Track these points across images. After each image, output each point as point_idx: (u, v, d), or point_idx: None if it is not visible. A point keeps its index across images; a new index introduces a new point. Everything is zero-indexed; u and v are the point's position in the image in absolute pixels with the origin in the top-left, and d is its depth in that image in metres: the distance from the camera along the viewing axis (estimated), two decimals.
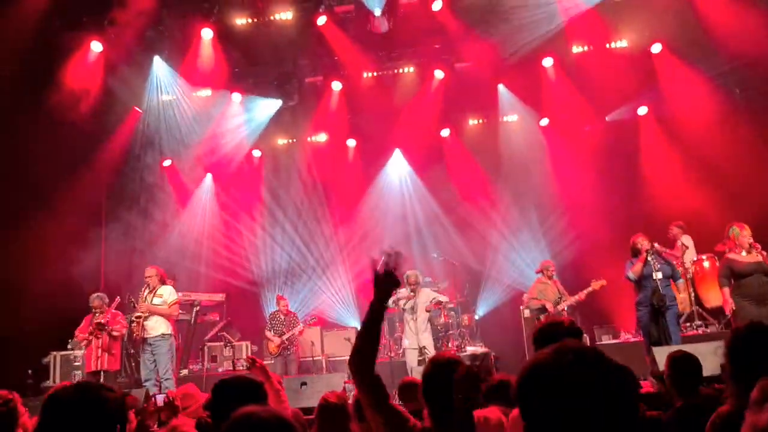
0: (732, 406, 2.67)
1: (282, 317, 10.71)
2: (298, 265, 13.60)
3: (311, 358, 11.13)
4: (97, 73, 11.25)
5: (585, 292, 9.75)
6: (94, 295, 9.26)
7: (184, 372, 10.96)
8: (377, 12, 11.11)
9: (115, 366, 9.17)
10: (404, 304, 9.87)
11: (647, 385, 7.43)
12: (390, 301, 9.54)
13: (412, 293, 9.82)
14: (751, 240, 7.92)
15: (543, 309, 9.86)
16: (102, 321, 8.84)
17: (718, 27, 10.39)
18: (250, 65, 12.45)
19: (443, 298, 10.21)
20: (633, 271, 8.60)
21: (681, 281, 9.15)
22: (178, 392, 5.35)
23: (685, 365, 4.42)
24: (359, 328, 2.88)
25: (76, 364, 10.42)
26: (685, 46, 11.40)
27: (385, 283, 2.73)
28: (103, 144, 11.91)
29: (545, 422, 1.38)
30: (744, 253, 7.91)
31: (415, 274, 9.96)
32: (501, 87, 12.89)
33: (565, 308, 9.82)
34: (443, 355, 3.14)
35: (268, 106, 12.89)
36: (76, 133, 10.86)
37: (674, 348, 7.60)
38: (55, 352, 10.56)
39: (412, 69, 12.74)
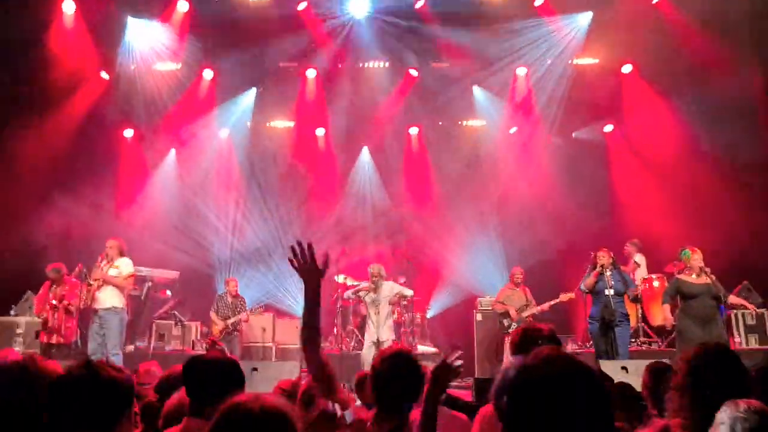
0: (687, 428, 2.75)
1: (229, 300, 10.62)
2: (257, 250, 13.47)
3: (261, 344, 11.06)
4: (68, 34, 10.94)
5: (551, 303, 9.94)
6: (51, 267, 9.07)
7: (130, 348, 10.76)
8: None
9: (69, 340, 9.01)
10: (365, 296, 9.83)
11: None
12: (350, 293, 9.55)
13: (373, 285, 9.77)
14: (702, 263, 8.18)
15: (506, 314, 10.02)
16: (59, 301, 8.75)
17: (691, 55, 10.67)
18: (226, 44, 12.24)
19: (408, 292, 10.17)
20: (585, 284, 8.83)
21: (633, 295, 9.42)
22: (141, 368, 5.26)
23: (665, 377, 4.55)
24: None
25: (19, 331, 10.11)
26: (656, 71, 11.67)
27: (308, 273, 2.88)
28: (69, 107, 11.59)
29: (531, 424, 1.42)
30: (694, 276, 8.16)
31: (378, 267, 9.92)
32: (475, 91, 12.99)
33: (531, 316, 9.98)
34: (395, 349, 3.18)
35: (241, 90, 12.72)
36: (42, 96, 10.57)
37: (620, 362, 7.86)
38: None
39: (387, 64, 12.76)
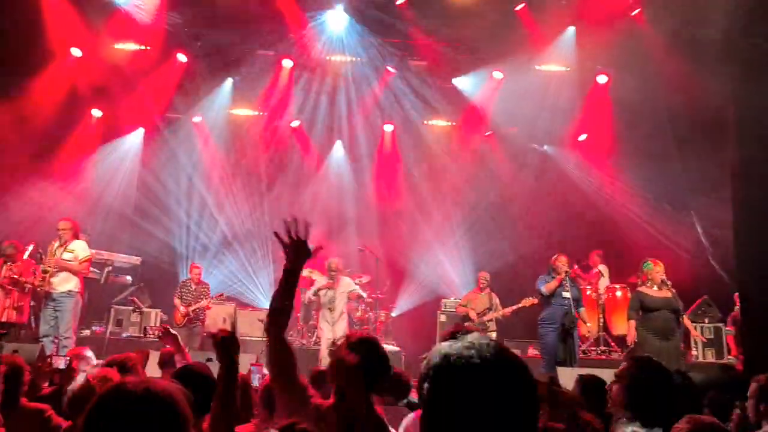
0: None
1: (193, 286, 10.50)
2: (222, 239, 13.30)
3: None
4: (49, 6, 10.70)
5: (513, 307, 9.95)
6: (7, 243, 8.82)
7: (86, 332, 10.54)
8: None
9: (23, 319, 8.79)
10: (324, 294, 9.70)
11: None
12: (311, 294, 9.39)
13: (331, 281, 9.67)
14: (663, 276, 8.25)
15: (467, 317, 10.02)
16: (16, 276, 8.48)
17: (665, 76, 10.74)
18: (201, 27, 12.01)
19: (363, 293, 10.14)
20: (547, 287, 8.85)
21: (582, 309, 9.43)
22: (68, 353, 5.13)
23: (598, 389, 4.60)
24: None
25: None
26: (630, 84, 11.74)
27: (296, 251, 2.72)
28: (33, 82, 11.30)
29: (450, 409, 1.35)
30: (655, 288, 8.23)
31: (337, 261, 9.85)
32: (454, 90, 12.94)
33: (492, 320, 9.98)
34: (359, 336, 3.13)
35: (215, 76, 12.54)
36: (7, 65, 10.31)
37: (579, 370, 7.90)
38: None
39: (364, 59, 12.67)
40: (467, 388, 1.34)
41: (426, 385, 1.40)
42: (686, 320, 8.65)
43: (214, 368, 7.25)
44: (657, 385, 3.11)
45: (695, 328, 10.21)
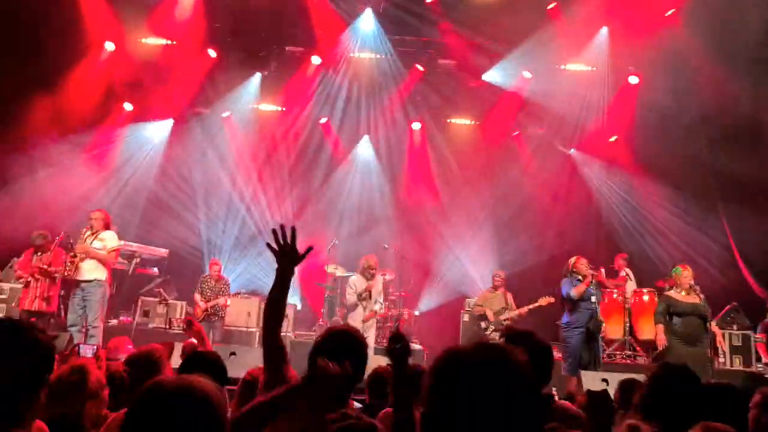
0: None
1: (212, 282, 10.56)
2: (249, 234, 13.40)
3: (245, 329, 10.99)
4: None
5: (529, 306, 9.86)
6: (37, 233, 8.98)
7: (114, 322, 10.71)
8: None
9: (52, 308, 8.94)
10: (359, 296, 9.53)
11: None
12: (354, 298, 9.26)
13: (371, 281, 9.54)
14: (692, 281, 8.12)
15: (484, 317, 9.96)
16: (46, 266, 8.64)
17: (699, 79, 10.55)
18: (233, 23, 12.12)
19: (378, 308, 9.81)
20: (577, 290, 8.69)
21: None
22: (110, 343, 5.19)
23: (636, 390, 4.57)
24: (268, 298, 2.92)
25: (2, 296, 10.07)
26: (661, 86, 11.57)
27: (285, 255, 2.82)
28: (69, 75, 11.52)
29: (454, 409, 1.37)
30: (683, 293, 8.10)
31: (374, 259, 9.71)
32: (482, 89, 12.86)
33: (508, 320, 9.90)
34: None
35: (245, 72, 12.64)
36: (45, 59, 10.54)
37: (603, 374, 7.83)
38: None
39: (393, 57, 12.67)
40: (467, 391, 1.36)
41: (428, 388, 1.44)
42: (714, 326, 8.48)
43: (236, 362, 7.32)
44: (682, 390, 3.03)
45: (723, 335, 10.05)
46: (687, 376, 3.16)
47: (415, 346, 11.22)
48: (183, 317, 10.98)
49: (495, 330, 9.79)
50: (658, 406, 3.00)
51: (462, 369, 1.40)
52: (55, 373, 2.97)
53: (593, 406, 4.50)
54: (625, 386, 4.70)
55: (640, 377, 6.78)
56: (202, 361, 3.20)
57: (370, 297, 9.48)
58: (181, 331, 8.30)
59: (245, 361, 7.40)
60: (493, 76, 12.45)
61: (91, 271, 8.52)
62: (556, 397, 8.52)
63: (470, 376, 1.37)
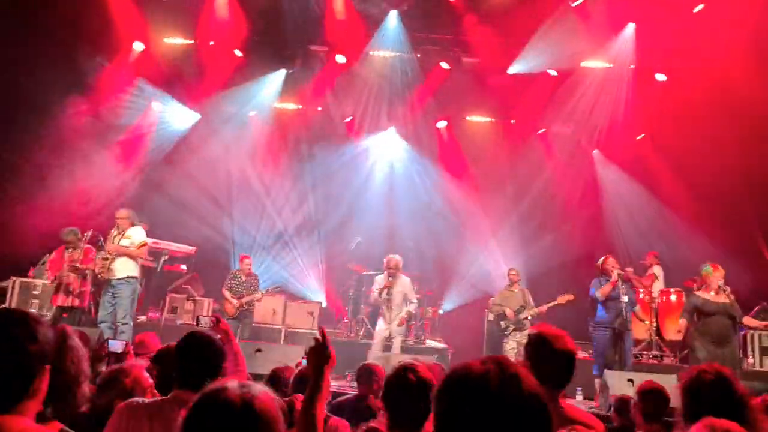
0: None
1: (243, 278, 10.57)
2: (276, 232, 13.51)
3: (270, 326, 11.09)
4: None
5: (548, 304, 9.77)
6: (68, 229, 9.14)
7: (142, 318, 10.88)
8: None
9: (83, 304, 9.12)
10: (385, 293, 9.60)
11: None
12: (376, 295, 9.33)
13: (390, 279, 9.63)
14: (722, 281, 8.01)
15: (503, 315, 9.92)
16: (78, 264, 8.80)
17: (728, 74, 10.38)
18: (257, 22, 12.23)
19: (413, 308, 9.83)
20: (602, 291, 8.67)
21: (637, 308, 9.30)
22: (136, 338, 5.29)
23: (657, 398, 4.55)
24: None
25: (35, 292, 10.27)
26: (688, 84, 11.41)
27: (317, 354, 2.80)
28: (97, 75, 11.76)
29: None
30: (712, 293, 8.00)
31: (397, 259, 9.75)
32: (507, 87, 12.80)
33: (528, 318, 9.85)
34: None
35: (269, 70, 12.77)
36: (72, 60, 10.75)
37: (629, 374, 7.77)
38: (15, 278, 10.30)
39: (418, 54, 12.69)
40: (473, 416, 1.38)
41: (437, 407, 1.45)
42: (750, 319, 8.37)
43: (261, 358, 7.39)
44: (715, 393, 2.94)
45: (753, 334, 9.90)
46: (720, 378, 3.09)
47: (439, 344, 11.24)
48: (210, 314, 11.11)
49: (515, 329, 9.75)
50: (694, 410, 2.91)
51: (465, 393, 1.41)
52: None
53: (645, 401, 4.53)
54: (647, 396, 4.65)
55: (667, 378, 6.80)
56: (196, 343, 3.28)
57: (389, 295, 9.48)
58: (208, 328, 8.39)
59: (271, 357, 7.52)
60: (517, 72, 12.40)
61: (121, 269, 8.71)
62: (581, 397, 8.51)
63: (474, 401, 1.39)
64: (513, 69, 12.31)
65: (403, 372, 2.95)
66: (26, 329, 1.87)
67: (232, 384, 1.69)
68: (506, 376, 1.40)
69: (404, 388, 2.89)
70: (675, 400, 5.78)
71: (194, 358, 3.21)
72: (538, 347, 3.06)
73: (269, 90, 13.19)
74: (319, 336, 2.84)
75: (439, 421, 1.43)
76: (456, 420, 1.39)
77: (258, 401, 1.65)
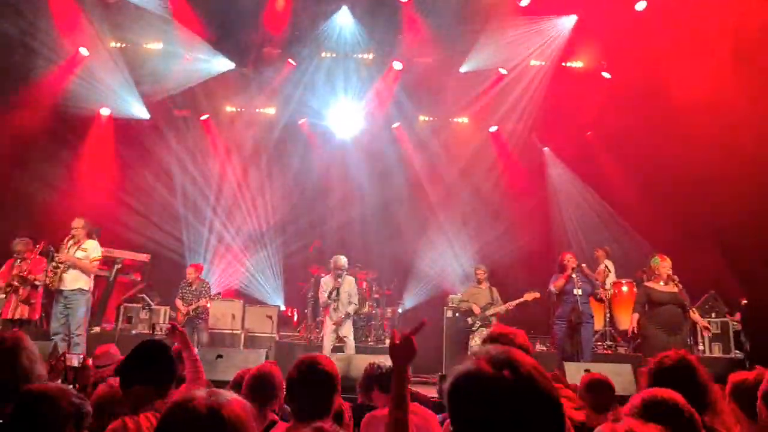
0: None
1: (193, 286, 10.50)
2: (230, 236, 13.37)
3: (230, 331, 10.97)
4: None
5: (515, 302, 9.90)
6: (18, 239, 8.89)
7: (97, 330, 10.63)
8: None
9: (34, 316, 8.83)
10: (334, 295, 9.61)
11: None
12: (325, 296, 9.31)
13: (339, 279, 9.65)
14: (670, 271, 8.26)
15: (470, 312, 10.02)
16: (25, 275, 8.55)
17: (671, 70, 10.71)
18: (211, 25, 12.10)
19: (351, 309, 9.73)
20: (555, 285, 8.89)
21: (599, 291, 9.52)
22: (96, 351, 5.18)
23: (601, 390, 4.61)
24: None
25: None
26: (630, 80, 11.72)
27: (403, 348, 2.64)
28: (41, 81, 11.45)
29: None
30: (661, 283, 8.24)
31: (343, 259, 9.79)
32: (458, 86, 12.94)
33: (494, 315, 9.97)
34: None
35: (218, 64, 12.60)
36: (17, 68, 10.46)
37: (585, 365, 7.94)
38: None
39: (370, 56, 12.74)
40: (484, 407, 1.42)
41: (448, 403, 1.49)
42: (694, 313, 8.62)
43: (223, 364, 7.29)
44: (677, 377, 3.00)
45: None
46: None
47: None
48: (165, 322, 10.95)
49: (482, 325, 9.86)
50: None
51: (475, 390, 1.45)
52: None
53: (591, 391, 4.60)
54: (592, 387, 4.66)
55: (621, 367, 6.98)
56: (151, 349, 3.26)
57: (338, 297, 9.53)
58: (165, 336, 8.27)
59: (233, 363, 7.41)
60: (468, 72, 12.57)
61: (74, 280, 8.50)
62: None
63: (489, 404, 1.43)
64: (464, 67, 12.47)
65: (308, 365, 2.98)
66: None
67: (200, 393, 1.69)
68: (520, 378, 1.43)
69: (309, 382, 2.94)
70: (629, 388, 6.00)
71: (148, 366, 3.20)
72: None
73: (222, 93, 13.04)
74: (398, 335, 2.68)
75: (456, 423, 1.47)
76: (473, 423, 1.43)
77: (226, 409, 1.65)
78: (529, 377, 1.43)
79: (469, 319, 10.03)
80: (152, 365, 3.19)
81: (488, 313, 9.94)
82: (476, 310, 9.96)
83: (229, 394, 1.72)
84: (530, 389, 1.42)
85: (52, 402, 2.16)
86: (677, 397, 2.51)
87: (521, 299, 9.85)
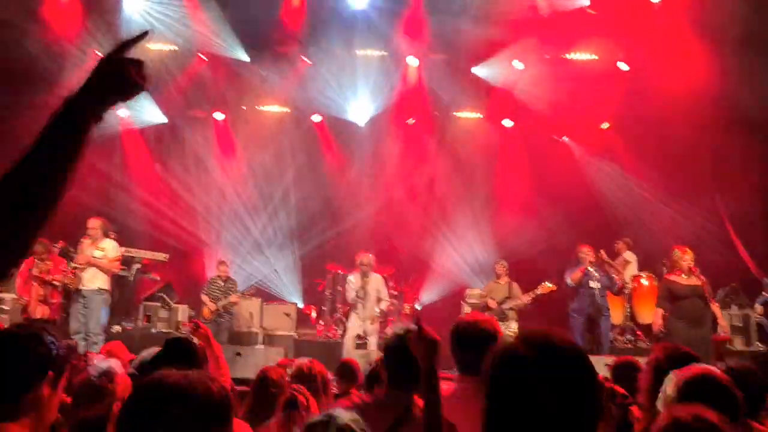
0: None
1: (221, 283, 10.59)
2: (249, 233, 13.41)
3: (248, 329, 11.01)
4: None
5: (530, 295, 9.86)
6: (39, 241, 8.96)
7: (117, 329, 10.71)
8: None
9: (54, 316, 8.94)
10: (361, 292, 9.66)
11: None
12: (353, 295, 9.39)
13: (365, 277, 9.67)
14: (692, 264, 8.18)
15: (487, 307, 10.02)
16: (44, 275, 8.63)
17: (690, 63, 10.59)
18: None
19: (384, 306, 9.90)
20: (572, 278, 8.86)
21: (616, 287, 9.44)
22: (102, 349, 5.22)
23: (630, 371, 4.60)
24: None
25: (4, 308, 10.04)
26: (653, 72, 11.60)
27: (426, 347, 2.58)
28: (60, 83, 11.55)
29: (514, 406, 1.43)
30: (684, 276, 8.16)
31: (369, 257, 9.81)
32: (474, 83, 12.90)
33: (511, 309, 9.94)
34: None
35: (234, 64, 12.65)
36: (38, 74, 10.56)
37: (604, 358, 7.88)
38: None
39: (385, 53, 12.71)
40: (520, 382, 1.42)
41: (486, 385, 1.49)
42: (715, 307, 8.53)
43: (242, 362, 7.33)
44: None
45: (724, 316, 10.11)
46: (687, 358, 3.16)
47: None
48: (186, 320, 11.02)
49: (498, 320, 9.83)
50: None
51: (514, 366, 1.45)
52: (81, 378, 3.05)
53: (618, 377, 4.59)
54: (619, 370, 4.69)
55: (642, 361, 6.92)
56: (178, 348, 3.29)
57: (365, 294, 9.53)
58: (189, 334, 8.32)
59: (252, 361, 7.47)
60: (483, 69, 12.51)
61: (92, 280, 8.59)
62: None
63: (524, 372, 1.43)
64: (478, 70, 12.53)
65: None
66: (32, 338, 1.91)
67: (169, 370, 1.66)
68: (555, 357, 1.43)
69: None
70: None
71: (175, 363, 3.21)
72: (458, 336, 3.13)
73: (239, 93, 13.07)
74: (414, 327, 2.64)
75: (493, 405, 1.47)
76: (511, 405, 1.43)
77: (197, 383, 1.61)
78: (563, 356, 1.43)
79: (486, 314, 10.00)
80: (179, 362, 3.20)
81: (504, 307, 9.90)
82: (492, 304, 9.95)
83: (205, 373, 1.72)
84: (565, 368, 1.42)
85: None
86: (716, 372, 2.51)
87: (536, 292, 9.79)
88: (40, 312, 8.77)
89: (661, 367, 3.03)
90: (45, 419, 2.01)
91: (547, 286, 9.66)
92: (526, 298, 9.86)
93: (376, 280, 9.71)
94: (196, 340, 4.59)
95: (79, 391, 3.01)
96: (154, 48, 12.19)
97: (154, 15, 11.72)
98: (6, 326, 7.38)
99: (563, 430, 1.37)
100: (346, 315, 11.25)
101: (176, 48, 12.41)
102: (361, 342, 9.54)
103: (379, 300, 9.69)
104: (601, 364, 7.59)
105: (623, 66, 12.17)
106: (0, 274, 1.30)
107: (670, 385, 2.62)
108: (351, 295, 9.75)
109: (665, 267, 10.11)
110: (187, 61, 12.55)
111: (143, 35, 1.58)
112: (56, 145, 1.39)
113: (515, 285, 10.20)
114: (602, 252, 9.12)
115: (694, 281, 8.10)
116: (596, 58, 12.40)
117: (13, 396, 1.91)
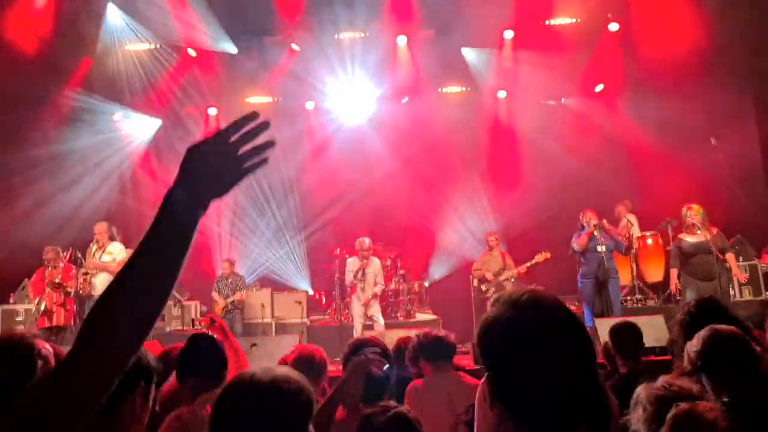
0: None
1: (228, 279, 10.73)
2: (253, 225, 13.43)
3: (261, 321, 11.10)
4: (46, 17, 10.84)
5: (527, 264, 10.02)
6: (49, 247, 9.03)
7: None
8: None
9: (68, 322, 9.01)
10: (360, 275, 9.84)
11: None
12: (351, 278, 9.53)
13: (364, 261, 9.83)
14: (697, 218, 8.23)
15: (484, 279, 10.14)
16: (58, 281, 8.68)
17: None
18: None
19: (378, 290, 10.01)
20: (578, 243, 8.91)
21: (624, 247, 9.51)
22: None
23: (627, 333, 4.71)
24: None
25: (18, 318, 10.13)
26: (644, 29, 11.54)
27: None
28: (55, 90, 11.55)
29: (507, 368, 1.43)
30: (697, 232, 8.25)
31: (368, 241, 9.98)
32: (463, 56, 12.85)
33: (511, 279, 10.04)
34: None
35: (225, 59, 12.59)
36: (26, 79, 10.53)
37: (617, 320, 7.95)
38: None
39: (372, 33, 12.62)
40: (513, 345, 1.41)
41: (479, 351, 1.49)
42: (729, 257, 8.62)
43: (259, 353, 7.39)
44: (716, 319, 2.96)
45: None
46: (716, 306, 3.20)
47: (429, 316, 11.36)
48: (198, 316, 11.08)
49: (495, 291, 9.93)
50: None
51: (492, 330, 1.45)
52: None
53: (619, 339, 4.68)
54: (617, 331, 4.82)
55: (653, 319, 7.02)
56: (200, 344, 3.44)
57: (364, 277, 9.73)
58: (205, 330, 8.37)
59: (268, 351, 7.53)
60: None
61: (104, 284, 8.60)
62: None
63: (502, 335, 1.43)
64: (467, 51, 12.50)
65: None
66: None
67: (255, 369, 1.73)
68: (544, 315, 1.42)
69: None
70: (663, 339, 6.07)
71: (199, 358, 3.35)
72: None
73: (232, 86, 13.04)
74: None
75: (488, 369, 1.47)
76: (504, 366, 1.43)
77: (286, 375, 1.69)
78: (552, 314, 1.43)
79: (483, 287, 10.14)
80: (202, 357, 3.31)
81: (501, 278, 10.04)
82: (489, 276, 10.10)
83: (278, 366, 1.77)
84: (554, 325, 1.41)
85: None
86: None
87: (532, 261, 9.97)
88: (63, 318, 8.84)
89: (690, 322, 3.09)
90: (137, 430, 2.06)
91: (543, 255, 9.83)
92: (522, 268, 10.00)
93: (374, 264, 9.89)
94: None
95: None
96: (141, 49, 12.18)
97: (139, 12, 11.65)
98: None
99: (571, 375, 1.37)
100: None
101: (159, 46, 12.35)
102: (369, 324, 9.71)
103: (376, 284, 9.86)
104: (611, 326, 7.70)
105: (613, 27, 12.09)
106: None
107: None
108: (349, 277, 10.02)
109: (670, 226, 10.17)
110: (174, 58, 12.47)
111: (250, 118, 1.37)
112: (161, 245, 1.32)
113: (508, 256, 10.32)
114: (605, 221, 9.16)
115: (700, 237, 8.17)
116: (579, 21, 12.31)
117: (110, 408, 1.91)
